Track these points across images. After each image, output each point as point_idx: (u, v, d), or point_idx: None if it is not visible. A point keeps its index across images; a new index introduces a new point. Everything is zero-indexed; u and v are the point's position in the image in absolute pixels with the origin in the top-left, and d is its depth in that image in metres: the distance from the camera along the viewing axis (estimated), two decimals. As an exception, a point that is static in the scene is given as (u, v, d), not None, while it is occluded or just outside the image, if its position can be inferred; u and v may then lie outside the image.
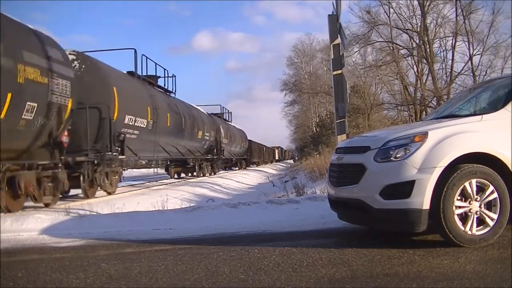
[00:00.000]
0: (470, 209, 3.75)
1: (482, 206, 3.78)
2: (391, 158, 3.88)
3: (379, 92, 27.12)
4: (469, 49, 19.30)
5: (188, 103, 19.55)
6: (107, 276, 3.34)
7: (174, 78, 18.32)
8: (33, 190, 7.79)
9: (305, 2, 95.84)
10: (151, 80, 14.82)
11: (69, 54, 9.70)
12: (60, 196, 9.24)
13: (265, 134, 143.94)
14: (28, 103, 7.21)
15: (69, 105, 8.54)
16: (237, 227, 5.34)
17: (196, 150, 19.72)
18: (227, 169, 31.07)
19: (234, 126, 31.77)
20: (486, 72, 18.91)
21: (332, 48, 6.70)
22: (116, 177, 11.82)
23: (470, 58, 19.24)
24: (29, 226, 5.62)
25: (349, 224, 4.89)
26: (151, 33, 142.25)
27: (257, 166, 40.28)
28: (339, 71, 6.61)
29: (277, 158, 65.45)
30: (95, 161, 10.12)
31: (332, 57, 6.69)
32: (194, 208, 6.49)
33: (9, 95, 6.77)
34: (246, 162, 35.79)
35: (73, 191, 10.34)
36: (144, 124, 12.58)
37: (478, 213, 3.77)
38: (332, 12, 6.82)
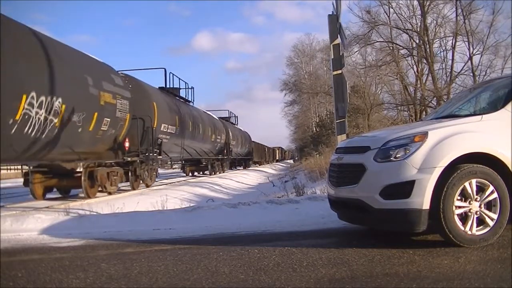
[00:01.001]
0: (470, 209, 3.75)
1: (482, 206, 3.77)
2: (391, 158, 3.88)
3: (379, 92, 27.15)
4: (469, 49, 19.32)
5: (202, 110, 22.20)
6: (107, 276, 3.34)
7: (192, 89, 20.71)
8: (105, 182, 10.70)
9: (305, 2, 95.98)
10: (175, 92, 17.51)
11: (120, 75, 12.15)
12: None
13: (265, 134, 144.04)
14: (105, 118, 9.95)
15: (127, 118, 11.39)
16: (237, 227, 5.33)
17: (210, 151, 22.17)
18: (232, 168, 32.12)
19: (240, 129, 33.11)
20: (486, 72, 18.93)
21: (332, 48, 6.69)
22: (154, 173, 14.63)
23: (470, 58, 19.23)
24: (29, 226, 5.62)
25: (349, 224, 4.89)
26: (151, 33, 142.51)
27: (258, 165, 40.94)
28: (339, 71, 6.60)
29: (277, 158, 65.91)
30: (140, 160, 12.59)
31: (332, 57, 6.68)
32: (194, 208, 6.49)
33: (96, 114, 9.46)
34: (250, 162, 36.66)
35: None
36: (173, 131, 15.20)
37: (478, 213, 3.77)
38: (332, 12, 6.81)
